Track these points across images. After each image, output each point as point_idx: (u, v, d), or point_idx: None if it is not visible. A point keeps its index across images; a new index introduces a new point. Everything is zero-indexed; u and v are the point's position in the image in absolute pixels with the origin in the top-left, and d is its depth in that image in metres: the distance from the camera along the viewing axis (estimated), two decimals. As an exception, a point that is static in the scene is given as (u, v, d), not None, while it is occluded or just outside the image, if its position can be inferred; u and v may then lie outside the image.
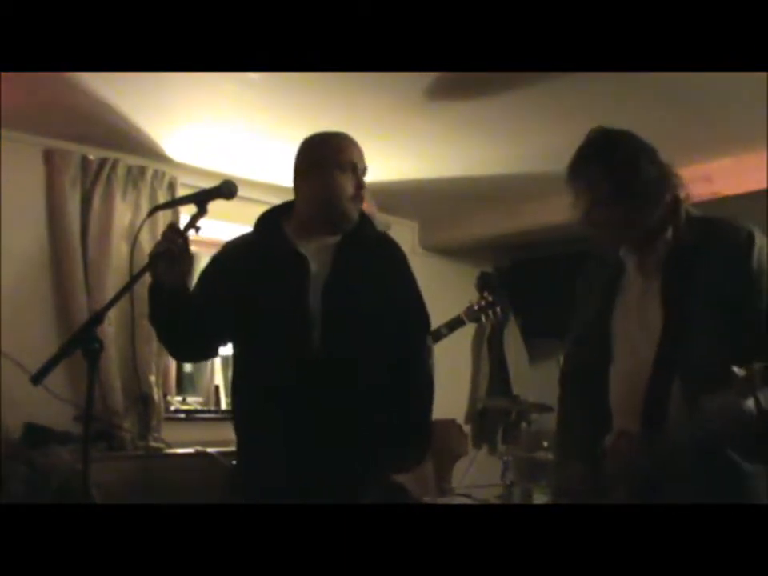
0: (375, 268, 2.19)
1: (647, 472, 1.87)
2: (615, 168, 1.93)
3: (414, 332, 2.22)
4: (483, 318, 3.47)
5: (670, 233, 1.97)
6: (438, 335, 3.18)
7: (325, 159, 2.17)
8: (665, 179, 1.96)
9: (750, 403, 1.66)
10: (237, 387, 2.21)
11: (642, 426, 1.91)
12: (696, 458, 1.80)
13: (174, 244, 1.99)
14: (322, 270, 2.13)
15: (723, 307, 1.85)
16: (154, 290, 2.10)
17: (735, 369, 1.66)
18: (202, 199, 2.05)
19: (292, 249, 2.16)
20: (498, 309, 3.43)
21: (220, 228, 3.43)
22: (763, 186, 3.62)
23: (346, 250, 2.18)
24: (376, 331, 2.11)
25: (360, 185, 2.18)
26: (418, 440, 2.18)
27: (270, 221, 2.25)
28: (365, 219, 2.26)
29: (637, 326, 1.99)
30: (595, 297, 2.10)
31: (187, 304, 2.12)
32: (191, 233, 2.03)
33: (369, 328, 2.11)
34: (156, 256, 1.99)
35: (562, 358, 2.29)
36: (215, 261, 2.30)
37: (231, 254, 2.28)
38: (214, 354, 2.43)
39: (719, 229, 1.95)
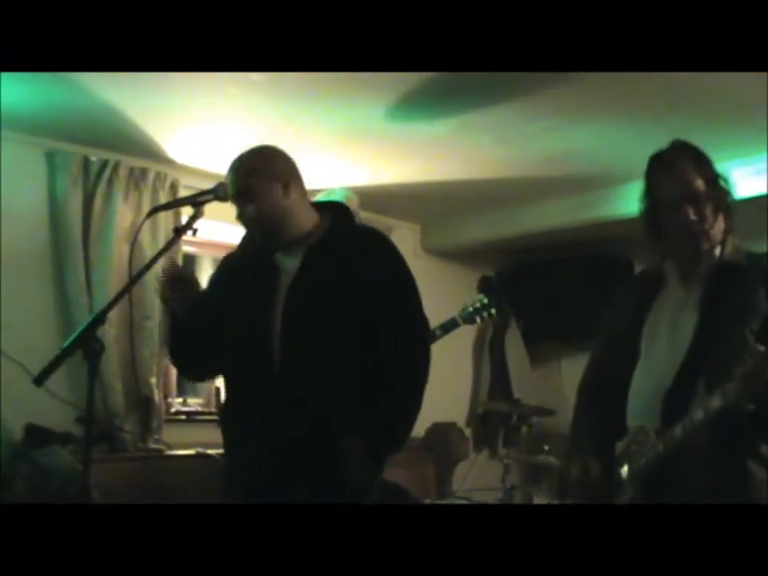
0: (345, 269, 2.13)
1: (661, 458, 1.91)
2: (704, 166, 1.99)
3: (394, 327, 2.15)
4: (478, 320, 3.49)
5: (717, 251, 2.03)
6: (433, 337, 3.17)
7: None
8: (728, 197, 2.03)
9: None
10: (224, 398, 2.32)
11: (660, 424, 1.95)
12: (709, 446, 1.84)
13: (175, 270, 2.17)
14: (289, 279, 2.14)
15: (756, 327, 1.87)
16: (169, 321, 2.25)
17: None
18: (197, 201, 2.07)
19: (268, 260, 2.17)
20: (493, 310, 3.44)
21: (220, 229, 3.46)
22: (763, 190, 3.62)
23: (312, 257, 2.15)
24: (344, 332, 2.10)
25: (246, 202, 2.12)
26: (389, 435, 2.14)
27: None
28: (337, 220, 2.22)
29: (667, 331, 2.04)
30: (630, 306, 2.14)
31: (196, 326, 2.18)
32: (189, 234, 2.08)
33: (334, 330, 2.09)
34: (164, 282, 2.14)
35: (561, 364, 2.27)
36: (211, 278, 2.36)
37: (222, 268, 2.34)
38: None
39: (760, 256, 2.03)
